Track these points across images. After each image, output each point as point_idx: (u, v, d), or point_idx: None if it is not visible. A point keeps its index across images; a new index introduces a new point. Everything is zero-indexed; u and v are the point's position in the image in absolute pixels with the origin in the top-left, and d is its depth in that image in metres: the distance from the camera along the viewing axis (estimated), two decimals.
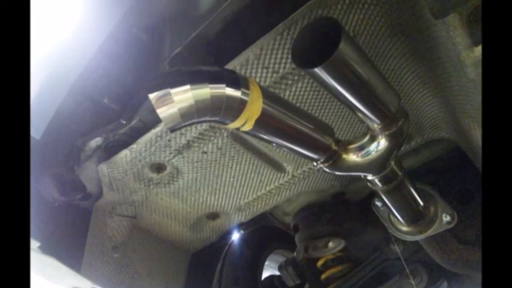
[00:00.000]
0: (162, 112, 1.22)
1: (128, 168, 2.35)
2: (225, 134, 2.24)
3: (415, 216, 2.50)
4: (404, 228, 2.61)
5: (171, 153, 2.28)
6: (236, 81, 1.29)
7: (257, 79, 1.96)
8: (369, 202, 2.81)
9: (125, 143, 2.25)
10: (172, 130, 1.29)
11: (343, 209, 3.27)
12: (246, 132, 1.42)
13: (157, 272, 2.92)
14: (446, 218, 2.48)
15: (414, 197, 2.33)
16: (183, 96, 1.21)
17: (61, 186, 2.16)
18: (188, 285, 3.21)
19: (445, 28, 1.52)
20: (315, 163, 1.82)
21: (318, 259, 3.51)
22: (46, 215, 2.20)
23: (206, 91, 1.23)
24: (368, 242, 3.39)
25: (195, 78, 1.24)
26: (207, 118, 1.30)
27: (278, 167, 2.59)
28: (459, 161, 2.86)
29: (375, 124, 1.69)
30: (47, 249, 2.05)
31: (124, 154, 2.25)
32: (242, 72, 1.92)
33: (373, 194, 2.74)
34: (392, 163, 1.97)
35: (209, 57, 1.96)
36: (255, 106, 1.34)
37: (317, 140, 1.68)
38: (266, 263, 3.72)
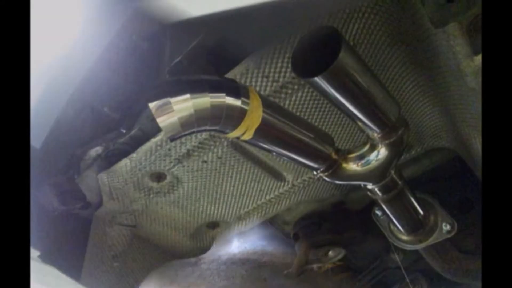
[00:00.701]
0: (162, 121, 1.22)
1: (128, 177, 2.34)
2: (225, 143, 2.24)
3: (415, 225, 2.49)
4: (404, 237, 2.61)
5: (171, 162, 2.28)
6: (236, 90, 1.29)
7: (257, 88, 1.96)
8: (369, 211, 2.80)
9: (125, 152, 2.25)
10: (172, 139, 1.29)
11: (343, 218, 3.27)
12: (246, 141, 1.42)
13: None
14: (446, 227, 2.48)
15: (414, 206, 2.33)
16: (183, 105, 1.21)
17: (61, 195, 2.16)
18: None
19: (445, 37, 1.52)
20: (315, 172, 1.82)
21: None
22: (46, 224, 2.20)
23: (206, 100, 1.23)
24: (368, 251, 3.40)
25: (195, 87, 1.24)
26: (207, 127, 1.30)
27: (278, 176, 2.59)
28: (459, 170, 2.86)
29: (375, 133, 1.70)
30: (47, 258, 2.05)
31: (124, 163, 2.25)
32: (242, 81, 1.92)
33: (373, 203, 2.73)
34: (392, 172, 1.97)
35: (209, 66, 1.96)
36: (255, 115, 1.34)
37: (317, 149, 1.68)
38: None
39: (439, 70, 1.87)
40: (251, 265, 4.19)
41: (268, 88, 1.98)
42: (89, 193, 2.38)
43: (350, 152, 1.85)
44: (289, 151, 1.59)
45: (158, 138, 2.13)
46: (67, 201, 2.19)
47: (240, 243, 4.45)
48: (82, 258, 2.39)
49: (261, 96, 1.36)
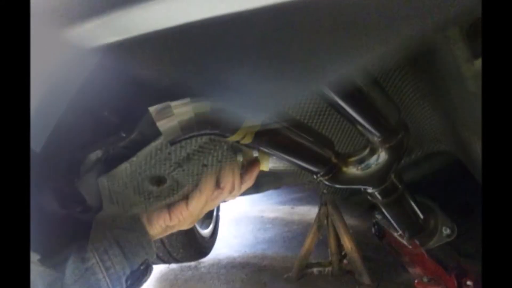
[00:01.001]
0: (162, 125, 1.22)
1: (128, 181, 2.33)
2: (225, 147, 2.24)
3: (415, 229, 2.49)
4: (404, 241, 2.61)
5: (171, 166, 2.27)
6: None
7: None
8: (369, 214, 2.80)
9: (125, 156, 2.24)
10: (172, 143, 1.29)
11: None
12: (246, 145, 1.42)
13: None
14: (446, 231, 2.48)
15: (414, 210, 2.33)
16: (183, 109, 1.21)
17: (61, 198, 2.15)
18: None
19: (445, 41, 1.52)
20: (315, 176, 1.82)
21: None
22: (46, 228, 2.20)
23: (206, 103, 1.23)
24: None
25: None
26: (207, 131, 1.30)
27: (278, 179, 2.58)
28: (460, 174, 2.86)
29: (375, 137, 1.69)
30: (47, 262, 2.05)
31: (124, 167, 2.24)
32: None
33: (373, 207, 2.73)
34: (392, 176, 1.97)
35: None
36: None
37: (317, 153, 1.68)
38: None
39: (439, 74, 1.87)
40: (251, 269, 4.20)
41: None
42: (89, 196, 2.37)
43: (350, 156, 1.84)
44: (289, 154, 1.59)
45: (158, 142, 2.13)
46: (67, 205, 2.18)
47: (240, 247, 4.47)
48: None
49: None
